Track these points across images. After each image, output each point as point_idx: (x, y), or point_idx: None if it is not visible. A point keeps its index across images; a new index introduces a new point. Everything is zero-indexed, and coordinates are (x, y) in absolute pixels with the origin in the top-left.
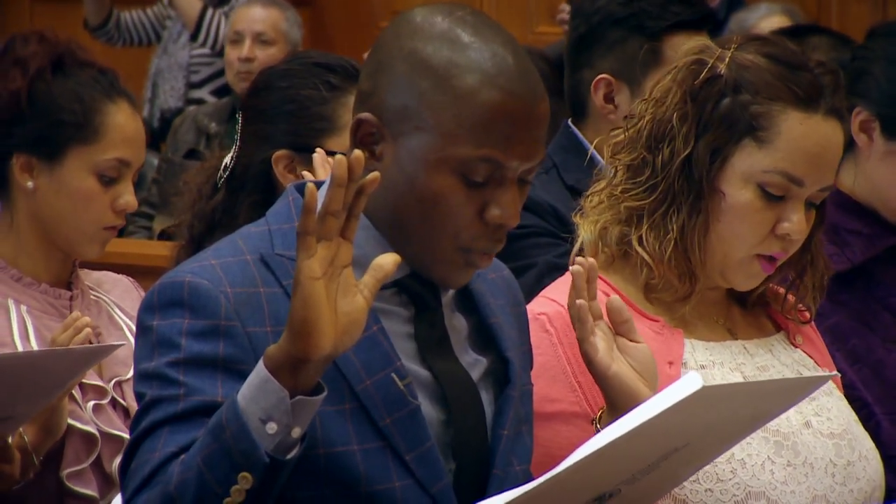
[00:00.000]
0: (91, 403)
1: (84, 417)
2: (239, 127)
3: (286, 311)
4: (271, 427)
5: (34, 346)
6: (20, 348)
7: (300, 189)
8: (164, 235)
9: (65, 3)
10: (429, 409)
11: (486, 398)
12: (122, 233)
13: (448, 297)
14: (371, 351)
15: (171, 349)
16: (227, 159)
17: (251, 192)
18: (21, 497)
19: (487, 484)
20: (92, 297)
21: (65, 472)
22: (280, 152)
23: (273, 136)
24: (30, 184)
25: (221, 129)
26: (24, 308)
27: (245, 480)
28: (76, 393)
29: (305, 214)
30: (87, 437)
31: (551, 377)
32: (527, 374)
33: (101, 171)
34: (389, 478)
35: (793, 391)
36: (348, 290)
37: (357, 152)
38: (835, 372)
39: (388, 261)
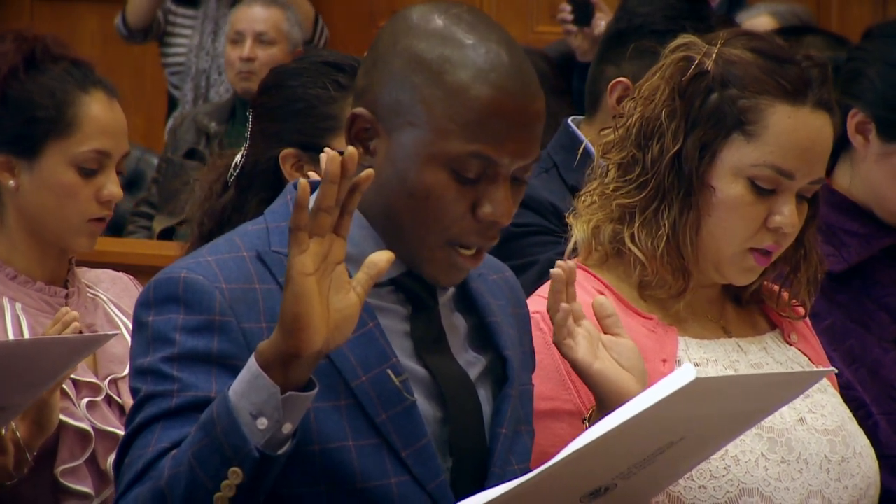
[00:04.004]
0: (85, 400)
1: (78, 414)
2: (249, 125)
3: None
4: (262, 422)
5: None
6: None
7: None
8: (164, 235)
9: (65, 2)
10: (425, 406)
11: (485, 397)
12: (121, 233)
13: (446, 296)
14: (367, 347)
15: (165, 345)
16: (238, 157)
17: (260, 190)
18: (15, 494)
19: (485, 482)
20: (89, 294)
21: (59, 468)
22: (288, 150)
23: (281, 134)
24: (11, 182)
25: (221, 129)
26: (19, 306)
27: (235, 475)
28: (70, 390)
29: (297, 210)
30: (82, 433)
31: (545, 375)
32: (527, 374)
33: (81, 164)
34: (385, 474)
35: (789, 386)
36: (341, 286)
37: (350, 149)
38: (832, 368)
39: (381, 258)
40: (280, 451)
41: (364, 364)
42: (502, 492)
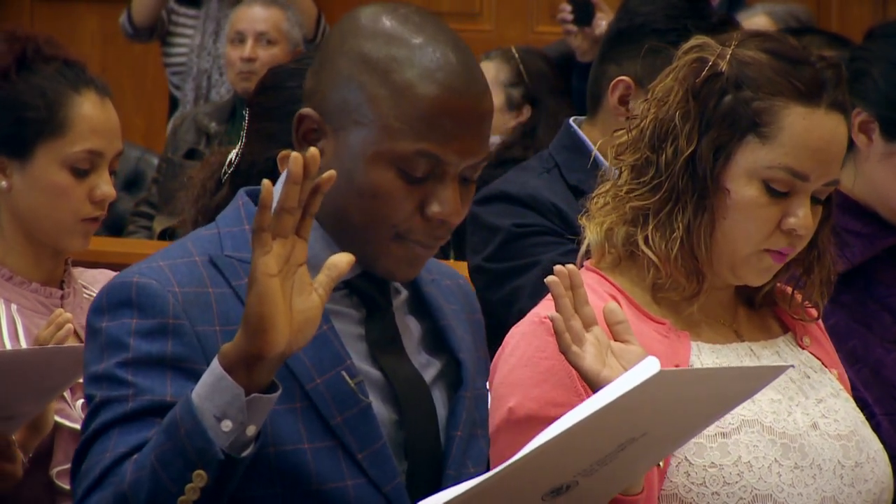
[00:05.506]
0: (80, 402)
1: (73, 416)
2: (245, 123)
3: (235, 311)
4: (226, 425)
5: (23, 345)
6: (9, 347)
7: (251, 194)
8: (164, 235)
9: (65, 2)
10: (381, 408)
11: (440, 399)
12: (122, 233)
13: (400, 300)
14: (321, 350)
15: (119, 350)
16: (232, 155)
17: None
18: (11, 496)
19: (440, 485)
20: (85, 295)
21: (54, 470)
22: (285, 152)
23: (278, 135)
24: (3, 183)
25: (221, 129)
26: (14, 307)
27: (200, 478)
28: (66, 392)
29: (261, 210)
30: (77, 435)
31: (556, 381)
32: (481, 378)
33: (73, 164)
34: (341, 476)
35: (752, 380)
36: (303, 288)
37: (313, 150)
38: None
39: (342, 260)
40: (244, 454)
41: (318, 367)
42: (463, 490)
